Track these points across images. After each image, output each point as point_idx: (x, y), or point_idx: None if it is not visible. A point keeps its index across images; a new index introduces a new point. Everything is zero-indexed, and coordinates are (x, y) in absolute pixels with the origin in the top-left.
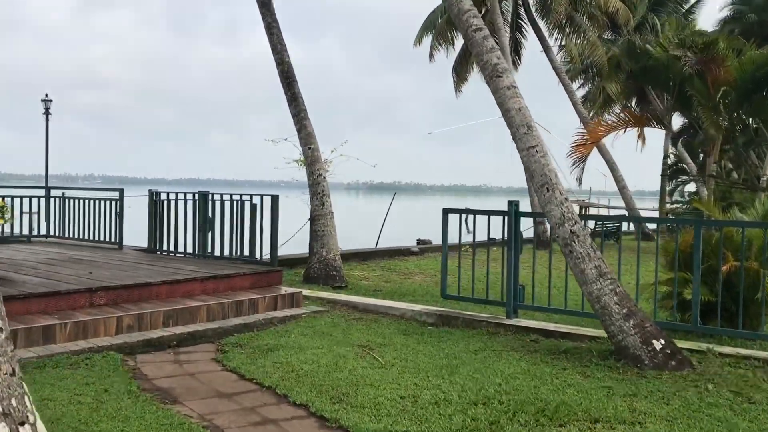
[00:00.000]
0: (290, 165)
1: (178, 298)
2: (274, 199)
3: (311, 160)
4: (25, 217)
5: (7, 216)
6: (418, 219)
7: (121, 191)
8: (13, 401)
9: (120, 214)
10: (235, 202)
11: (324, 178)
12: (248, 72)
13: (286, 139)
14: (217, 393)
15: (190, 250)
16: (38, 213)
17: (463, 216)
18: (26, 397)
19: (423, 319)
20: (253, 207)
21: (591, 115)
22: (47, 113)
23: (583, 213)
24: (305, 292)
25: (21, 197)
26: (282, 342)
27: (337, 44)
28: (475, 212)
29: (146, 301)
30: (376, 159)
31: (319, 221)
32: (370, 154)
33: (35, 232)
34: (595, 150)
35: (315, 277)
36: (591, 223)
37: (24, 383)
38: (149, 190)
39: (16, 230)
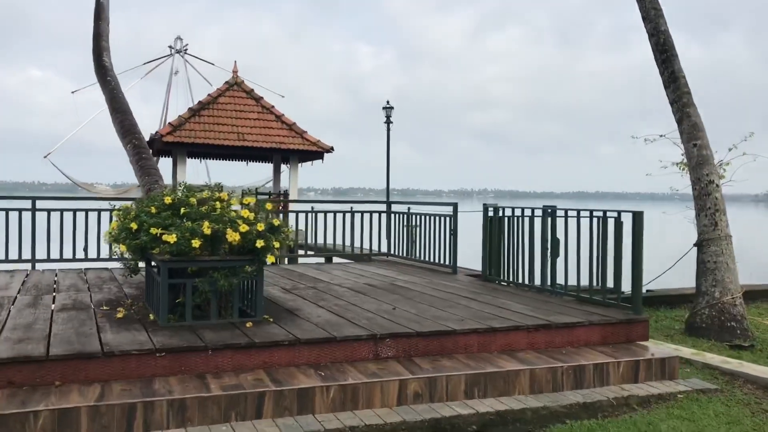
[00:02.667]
0: (668, 170)
1: (494, 353)
2: (637, 218)
3: (697, 162)
4: (366, 235)
5: (285, 236)
6: None
7: (455, 206)
8: None
9: (454, 233)
10: (581, 220)
11: (717, 186)
12: (637, 78)
13: (662, 136)
14: None
15: (535, 280)
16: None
17: None
18: None
19: None
20: (604, 227)
21: None
22: (388, 122)
23: None
24: (687, 352)
25: (362, 212)
26: None
27: (741, 39)
28: None
29: (449, 355)
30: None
31: (709, 248)
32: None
33: (379, 249)
34: None
35: (703, 329)
36: None
37: None
38: (484, 204)
39: (364, 245)
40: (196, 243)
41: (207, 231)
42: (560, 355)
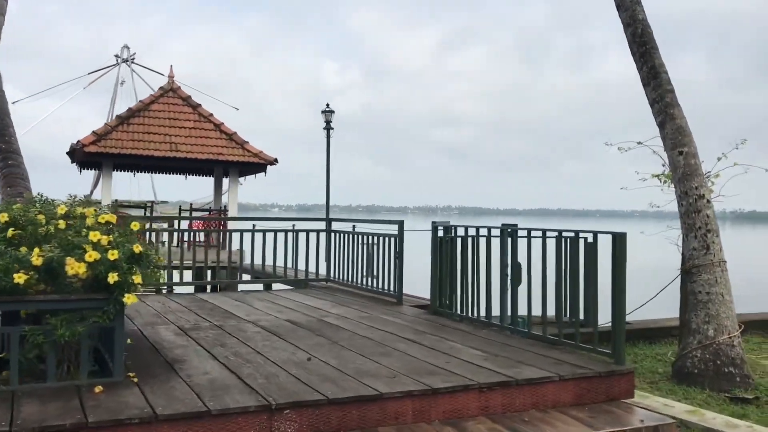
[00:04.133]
0: (647, 183)
1: (435, 422)
2: (619, 240)
3: (684, 173)
4: (307, 257)
5: (153, 268)
6: None
7: (400, 225)
8: None
9: (399, 256)
10: (547, 241)
11: (708, 202)
12: (598, 98)
13: (640, 143)
14: None
15: (493, 311)
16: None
17: None
18: None
19: None
20: (575, 250)
21: None
22: (328, 127)
23: None
24: (679, 409)
25: (300, 232)
26: None
27: (701, 58)
28: None
29: (373, 430)
30: (744, 185)
31: (700, 276)
32: (739, 180)
33: (317, 273)
34: None
35: (694, 375)
36: None
37: None
38: (433, 223)
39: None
40: (20, 278)
41: (37, 261)
42: (522, 425)
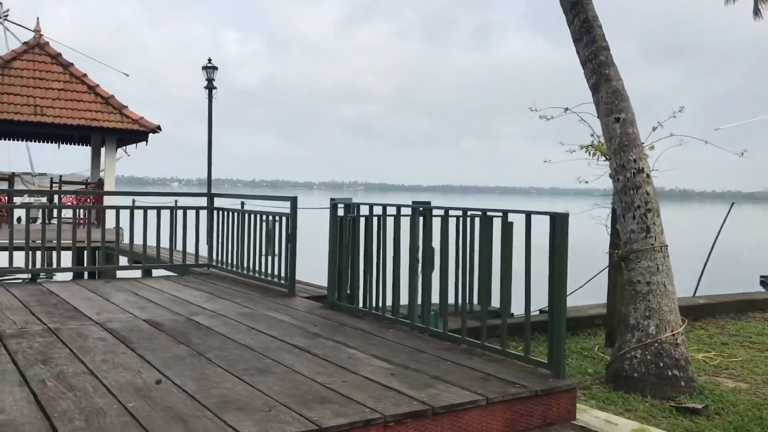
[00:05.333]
0: (574, 156)
1: None
2: (560, 222)
3: (621, 143)
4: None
5: None
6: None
7: (293, 201)
8: None
9: (291, 238)
10: (472, 220)
11: (648, 177)
12: (496, 78)
13: (567, 110)
14: None
15: (401, 304)
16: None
17: None
18: None
19: None
20: (509, 232)
21: None
22: (210, 86)
23: None
24: (624, 427)
25: (173, 209)
26: None
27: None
28: None
29: None
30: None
31: (639, 263)
32: (672, 154)
33: (196, 260)
34: None
35: (634, 379)
36: None
37: None
38: (331, 200)
39: (175, 255)
40: None
41: None
42: None
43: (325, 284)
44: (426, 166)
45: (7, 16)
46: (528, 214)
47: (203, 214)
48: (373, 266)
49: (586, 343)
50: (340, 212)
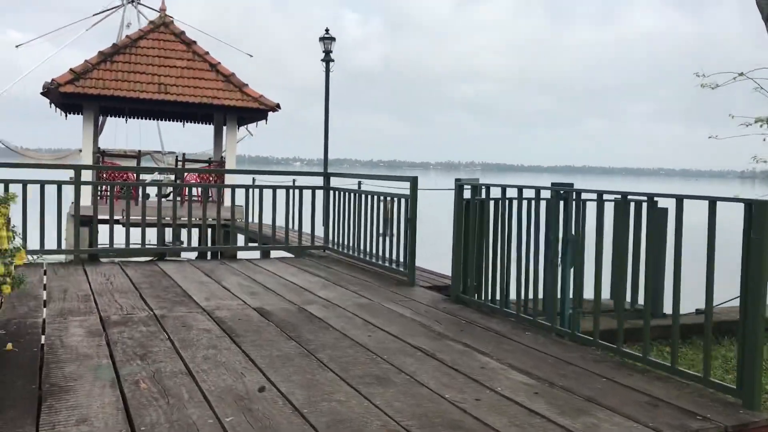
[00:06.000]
0: (746, 131)
1: None
2: (760, 208)
3: None
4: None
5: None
6: None
7: (413, 182)
8: None
9: (411, 221)
10: (626, 205)
11: None
12: (623, 53)
13: (741, 75)
14: None
15: (540, 301)
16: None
17: None
18: None
19: None
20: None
21: None
22: (327, 59)
23: None
24: None
25: (289, 188)
26: None
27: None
28: None
29: None
30: None
31: None
32: None
33: (312, 242)
34: None
35: None
36: None
37: None
38: (456, 180)
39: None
40: None
41: None
42: None
43: (447, 272)
44: (546, 147)
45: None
46: (712, 201)
47: (319, 194)
48: (505, 256)
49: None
50: (466, 194)
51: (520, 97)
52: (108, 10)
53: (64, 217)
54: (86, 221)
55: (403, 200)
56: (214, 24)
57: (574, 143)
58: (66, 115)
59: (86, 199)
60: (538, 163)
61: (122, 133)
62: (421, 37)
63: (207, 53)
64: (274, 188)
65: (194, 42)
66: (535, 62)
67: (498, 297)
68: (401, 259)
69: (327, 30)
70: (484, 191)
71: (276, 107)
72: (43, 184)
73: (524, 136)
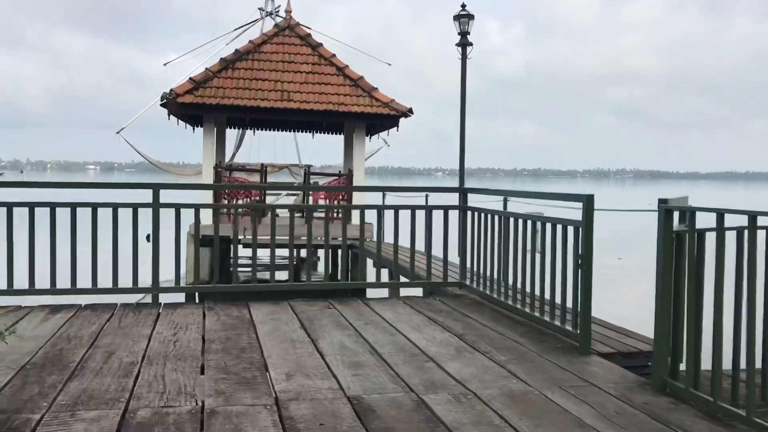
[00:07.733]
0: None
1: None
2: None
3: None
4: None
5: None
6: None
7: (588, 200)
8: None
9: (586, 261)
10: None
11: None
12: None
13: None
14: None
15: None
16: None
17: None
18: None
19: None
20: None
21: None
22: (464, 58)
23: None
24: None
25: (413, 208)
26: None
27: None
28: None
29: None
30: None
31: None
32: None
33: (444, 277)
34: None
35: None
36: None
37: None
38: (659, 201)
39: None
40: None
41: None
42: None
43: (627, 320)
44: (703, 152)
45: (278, 11)
46: None
47: (453, 215)
48: (746, 322)
49: None
50: (675, 221)
51: (672, 100)
52: (247, 24)
53: (183, 238)
54: (207, 241)
55: (570, 228)
56: (356, 39)
57: (734, 147)
58: (193, 129)
59: (207, 218)
60: (694, 169)
61: (269, 145)
62: (565, 40)
63: (333, 55)
64: (396, 208)
65: (320, 44)
66: (689, 62)
67: (732, 386)
68: (568, 316)
69: (463, 5)
70: (694, 218)
71: (408, 112)
72: (178, 208)
73: (677, 140)
